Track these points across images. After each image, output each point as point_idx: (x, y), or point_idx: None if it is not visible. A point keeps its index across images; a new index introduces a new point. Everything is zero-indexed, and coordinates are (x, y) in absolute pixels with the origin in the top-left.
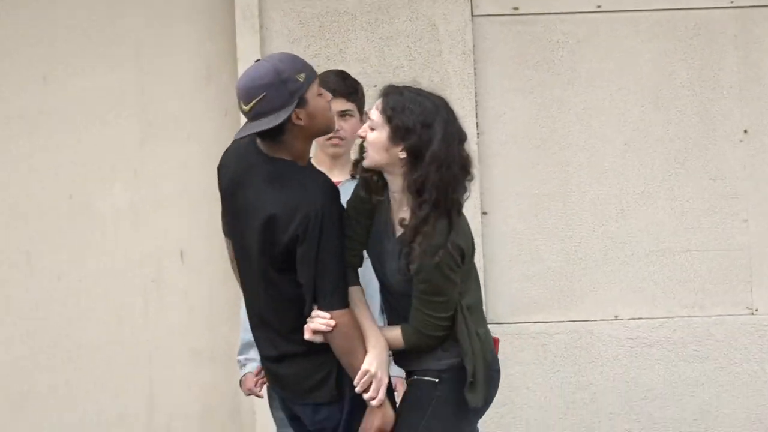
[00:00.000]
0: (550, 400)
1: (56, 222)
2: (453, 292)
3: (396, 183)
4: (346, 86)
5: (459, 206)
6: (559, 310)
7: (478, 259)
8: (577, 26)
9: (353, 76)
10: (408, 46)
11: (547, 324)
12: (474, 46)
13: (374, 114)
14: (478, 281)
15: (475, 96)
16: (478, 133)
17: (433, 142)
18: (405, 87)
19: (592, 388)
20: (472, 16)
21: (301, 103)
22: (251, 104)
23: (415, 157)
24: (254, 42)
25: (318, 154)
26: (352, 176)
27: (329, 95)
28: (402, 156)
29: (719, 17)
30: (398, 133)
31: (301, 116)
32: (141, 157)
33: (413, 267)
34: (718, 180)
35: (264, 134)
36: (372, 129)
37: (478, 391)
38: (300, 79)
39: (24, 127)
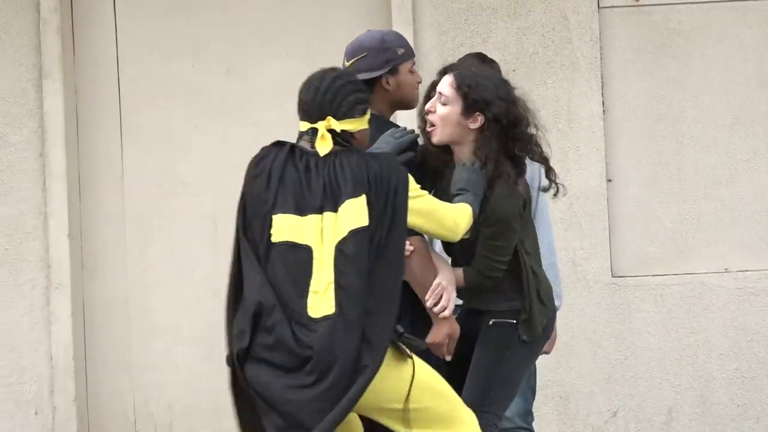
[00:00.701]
0: (668, 343)
1: None
2: (514, 238)
3: (464, 152)
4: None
5: (523, 163)
6: (675, 264)
7: (604, 221)
8: (690, 15)
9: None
10: (542, 35)
11: (664, 276)
12: (600, 33)
13: (446, 90)
14: (534, 227)
15: (601, 78)
16: (603, 111)
17: (506, 109)
18: (468, 65)
19: (705, 333)
20: (599, 7)
21: (393, 71)
22: (352, 60)
23: (489, 126)
24: (408, 33)
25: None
26: None
27: (420, 77)
28: (473, 127)
29: None
30: (475, 105)
31: (390, 82)
32: None
33: (483, 216)
34: None
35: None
36: (444, 104)
37: (533, 325)
38: (399, 52)
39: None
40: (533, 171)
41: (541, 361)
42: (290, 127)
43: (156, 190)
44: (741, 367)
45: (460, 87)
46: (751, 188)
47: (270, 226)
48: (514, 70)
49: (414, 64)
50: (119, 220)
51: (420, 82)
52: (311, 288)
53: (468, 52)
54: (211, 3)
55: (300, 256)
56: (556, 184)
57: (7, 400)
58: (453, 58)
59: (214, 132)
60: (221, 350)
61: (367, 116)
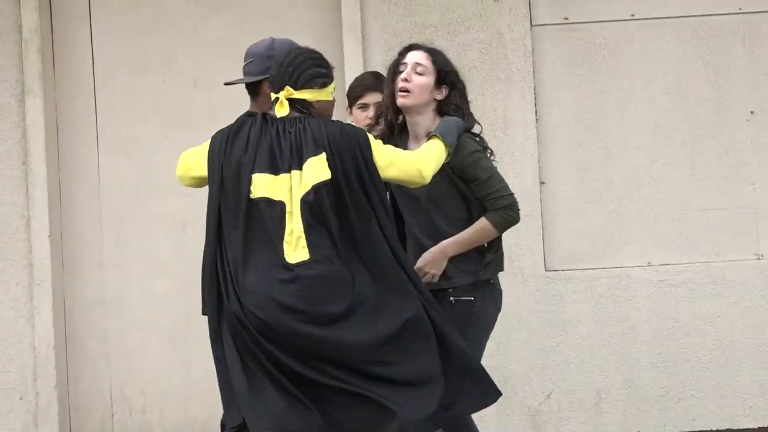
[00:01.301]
0: (597, 330)
1: None
2: (496, 170)
3: (422, 123)
4: (380, 83)
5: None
6: (603, 259)
7: (537, 220)
8: (614, 31)
9: None
10: (480, 51)
11: (593, 270)
12: (533, 49)
13: (424, 61)
14: None
15: (534, 90)
16: (536, 119)
17: (462, 84)
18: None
19: (630, 321)
20: (531, 25)
21: None
22: (243, 65)
23: (451, 97)
24: (357, 51)
25: None
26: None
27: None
28: (439, 98)
29: (730, 21)
30: (446, 78)
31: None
32: None
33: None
34: (730, 152)
35: (248, 89)
36: (421, 74)
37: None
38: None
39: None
40: None
41: None
42: None
43: (130, 194)
44: (663, 352)
45: (435, 61)
46: (672, 189)
47: (250, 184)
48: None
49: None
50: (96, 223)
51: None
52: (285, 238)
53: None
54: (178, 23)
55: (275, 210)
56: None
57: None
58: None
59: (182, 141)
60: (189, 341)
61: (329, 89)
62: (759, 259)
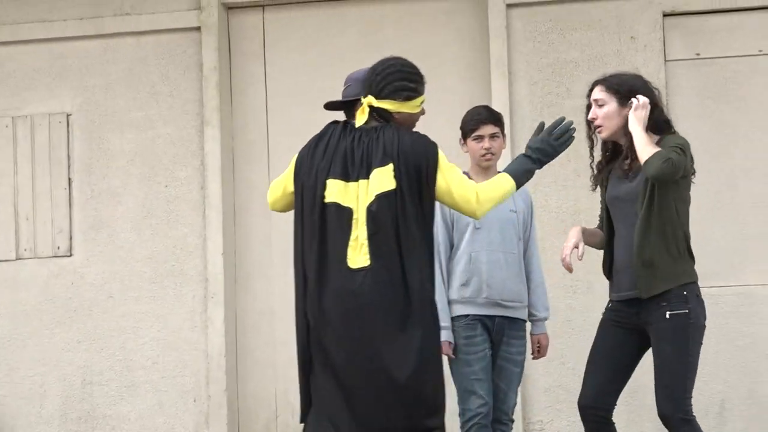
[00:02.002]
0: (722, 344)
1: None
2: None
3: (624, 142)
4: (493, 116)
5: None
6: (728, 277)
7: None
8: (743, 65)
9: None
10: None
11: (719, 288)
12: (666, 82)
13: (599, 95)
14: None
15: None
16: None
17: (650, 92)
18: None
19: (753, 336)
20: (665, 60)
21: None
22: (343, 89)
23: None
24: (504, 85)
25: (473, 166)
26: None
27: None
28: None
29: None
30: (628, 94)
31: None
32: None
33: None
34: None
35: (344, 111)
36: (600, 106)
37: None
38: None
39: None
40: (528, 195)
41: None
42: None
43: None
44: None
45: (609, 88)
46: None
47: (324, 188)
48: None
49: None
50: (266, 241)
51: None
52: (350, 244)
53: (555, 99)
54: (344, 62)
55: (343, 215)
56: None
57: (171, 389)
58: (543, 104)
59: None
60: None
61: (415, 102)
62: None
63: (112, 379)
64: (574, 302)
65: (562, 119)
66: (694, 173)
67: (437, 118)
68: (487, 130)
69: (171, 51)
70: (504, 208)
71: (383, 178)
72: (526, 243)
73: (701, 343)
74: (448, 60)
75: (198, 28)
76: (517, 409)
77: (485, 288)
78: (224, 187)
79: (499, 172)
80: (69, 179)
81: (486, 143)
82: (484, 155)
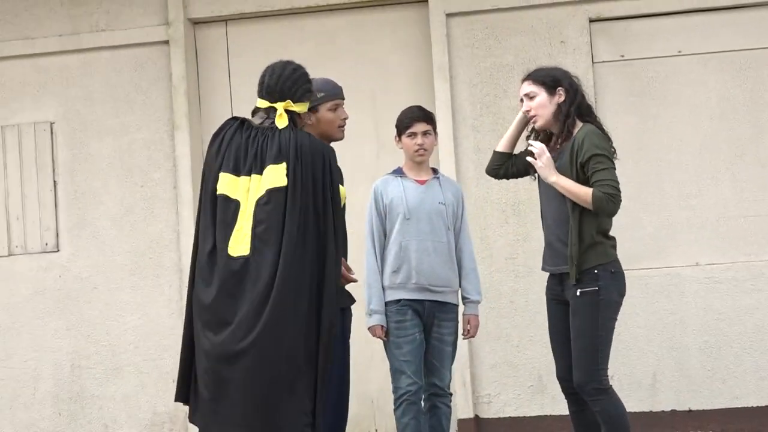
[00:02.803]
0: (652, 322)
1: None
2: (611, 163)
3: (556, 128)
4: (425, 114)
5: (592, 117)
6: (657, 260)
7: None
8: (664, 66)
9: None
10: None
11: (648, 270)
12: (594, 82)
13: (528, 88)
14: None
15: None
16: None
17: (571, 80)
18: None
19: (680, 314)
20: (593, 62)
21: (313, 110)
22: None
23: (568, 95)
24: (446, 88)
25: (407, 161)
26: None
27: (346, 114)
28: (561, 100)
29: (764, 53)
30: (554, 84)
31: (311, 119)
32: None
33: (583, 157)
34: (766, 167)
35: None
36: (532, 98)
37: None
38: (318, 95)
39: None
40: (458, 189)
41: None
42: (355, 160)
43: None
44: (709, 341)
45: (535, 80)
46: (716, 199)
47: (217, 181)
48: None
49: (338, 105)
50: None
51: (345, 118)
52: (233, 234)
53: (492, 101)
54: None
55: (230, 207)
56: (614, 149)
57: (153, 371)
58: (482, 105)
59: None
60: None
61: (309, 103)
62: None
63: (98, 362)
64: (517, 285)
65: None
66: (616, 157)
67: (386, 119)
68: (420, 127)
69: (143, 63)
70: (433, 201)
71: (276, 175)
72: (457, 233)
73: (614, 318)
74: (395, 66)
75: (167, 42)
76: (467, 383)
77: (414, 274)
78: (195, 186)
79: (432, 168)
80: (54, 182)
81: (419, 139)
82: (417, 151)
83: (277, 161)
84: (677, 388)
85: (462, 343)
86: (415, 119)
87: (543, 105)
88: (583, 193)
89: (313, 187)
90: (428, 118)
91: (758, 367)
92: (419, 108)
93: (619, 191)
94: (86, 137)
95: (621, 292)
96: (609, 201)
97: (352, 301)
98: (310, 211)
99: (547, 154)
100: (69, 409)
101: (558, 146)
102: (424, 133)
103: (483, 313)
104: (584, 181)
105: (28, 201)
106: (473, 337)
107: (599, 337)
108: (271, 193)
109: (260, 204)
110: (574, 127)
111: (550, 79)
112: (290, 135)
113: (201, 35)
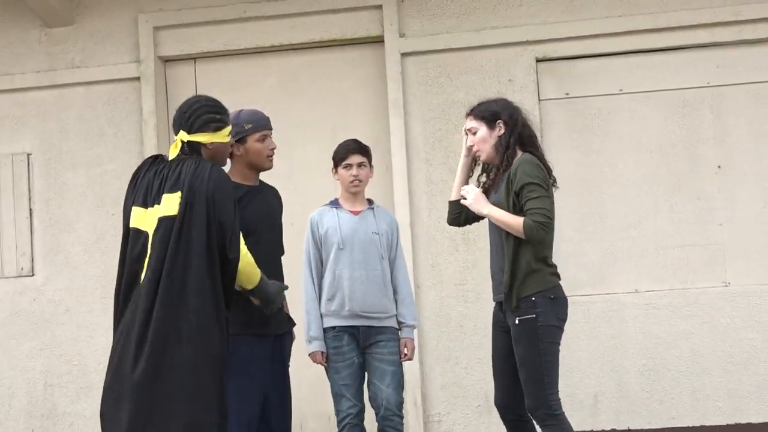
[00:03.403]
0: (593, 345)
1: None
2: (549, 193)
3: (497, 162)
4: (360, 147)
5: (533, 146)
6: (599, 287)
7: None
8: (606, 103)
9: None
10: None
11: (590, 296)
12: (540, 118)
13: (470, 124)
14: None
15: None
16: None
17: (512, 111)
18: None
19: (621, 337)
20: (539, 100)
21: (241, 141)
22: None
23: (507, 127)
24: (400, 123)
25: (342, 192)
26: (369, 206)
27: (274, 144)
28: (501, 132)
29: (701, 93)
30: (493, 117)
31: (240, 149)
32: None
33: (516, 186)
34: (702, 199)
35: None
36: (474, 133)
37: None
38: (246, 127)
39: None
40: (392, 219)
41: None
42: (314, 192)
43: None
44: (647, 363)
45: (476, 115)
46: (654, 229)
47: (129, 216)
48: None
49: (266, 135)
50: None
51: (273, 148)
52: (145, 263)
53: (444, 136)
54: (265, 104)
55: (140, 239)
56: (553, 177)
57: None
58: (434, 139)
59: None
60: None
61: (224, 132)
62: (726, 286)
63: (70, 381)
64: (466, 310)
65: (278, 307)
66: (555, 185)
67: None
68: (355, 159)
69: (115, 98)
70: (367, 231)
71: (170, 204)
72: (392, 261)
73: (557, 343)
74: (352, 102)
75: (138, 79)
76: (418, 403)
77: (347, 302)
78: None
79: (367, 198)
80: (30, 210)
81: (354, 170)
82: (351, 182)
83: (173, 190)
84: (617, 409)
85: (414, 365)
86: (350, 151)
87: (484, 139)
88: (515, 222)
89: (206, 218)
90: (363, 150)
91: (694, 389)
92: (354, 141)
93: (551, 218)
94: (61, 168)
95: (561, 316)
96: (540, 229)
97: (293, 324)
98: (200, 241)
99: (476, 189)
100: (42, 426)
101: (491, 181)
102: (359, 165)
103: (434, 336)
104: (520, 210)
105: (5, 228)
106: (410, 360)
107: (543, 363)
108: (161, 221)
109: (155, 233)
110: (514, 157)
111: (489, 113)
112: (191, 165)
113: (171, 72)
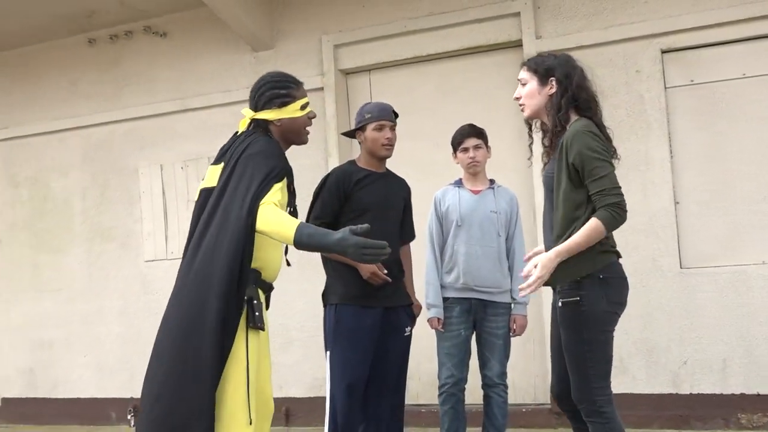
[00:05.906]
0: (721, 313)
1: None
2: (612, 166)
3: (548, 120)
4: (475, 130)
5: (591, 112)
6: (726, 259)
7: (674, 230)
8: (730, 87)
9: None
10: (626, 109)
11: (718, 267)
12: (666, 105)
13: (522, 74)
14: None
15: (669, 135)
16: (671, 156)
17: (567, 72)
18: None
19: (748, 306)
20: (665, 87)
21: (362, 129)
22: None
23: (560, 86)
24: None
25: (464, 174)
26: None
27: (387, 134)
28: (551, 92)
29: None
30: (546, 73)
31: (361, 137)
32: None
33: (573, 158)
34: None
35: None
36: (524, 85)
37: None
38: (366, 116)
39: None
40: (513, 197)
41: (632, 324)
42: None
43: None
44: None
45: (530, 67)
46: None
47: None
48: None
49: (383, 125)
50: None
51: (388, 138)
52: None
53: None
54: (425, 103)
55: (196, 211)
56: (613, 148)
57: None
58: None
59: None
60: None
61: (294, 107)
62: None
63: (275, 336)
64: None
65: (383, 246)
66: (616, 156)
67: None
68: (471, 142)
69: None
70: (485, 209)
71: (212, 176)
72: (510, 238)
73: (607, 330)
74: (497, 100)
75: (321, 89)
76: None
77: (462, 275)
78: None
79: (490, 179)
80: None
81: (471, 153)
82: (469, 163)
83: (217, 162)
84: (746, 374)
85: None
86: (466, 135)
87: (531, 95)
88: (593, 230)
89: (244, 193)
90: (478, 133)
91: None
92: (470, 125)
93: (622, 194)
94: None
95: (613, 299)
96: (619, 213)
97: (410, 301)
98: (229, 215)
99: (531, 276)
100: None
101: (547, 145)
102: (476, 147)
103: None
104: (577, 181)
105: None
106: (520, 335)
107: (587, 353)
108: (201, 192)
109: (195, 203)
110: (567, 121)
111: (543, 68)
112: (246, 140)
113: (351, 83)
